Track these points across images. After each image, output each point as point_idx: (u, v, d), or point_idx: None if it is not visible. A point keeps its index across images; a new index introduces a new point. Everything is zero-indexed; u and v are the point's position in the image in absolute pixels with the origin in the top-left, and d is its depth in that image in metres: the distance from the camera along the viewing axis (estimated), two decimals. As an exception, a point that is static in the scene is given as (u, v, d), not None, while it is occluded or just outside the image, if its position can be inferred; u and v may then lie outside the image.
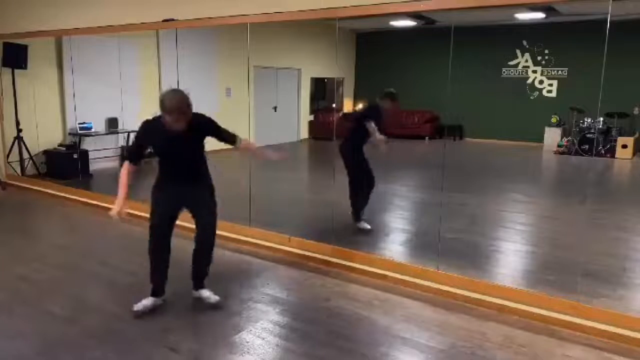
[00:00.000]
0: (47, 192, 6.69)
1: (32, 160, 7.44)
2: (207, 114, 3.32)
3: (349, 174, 4.95)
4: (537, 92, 11.93)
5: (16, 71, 7.02)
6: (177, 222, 5.21)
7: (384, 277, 3.91)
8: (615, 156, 9.88)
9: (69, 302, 3.51)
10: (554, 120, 11.15)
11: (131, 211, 5.68)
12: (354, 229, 5.23)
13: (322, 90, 12.39)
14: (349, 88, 13.18)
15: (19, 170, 7.36)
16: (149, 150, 3.29)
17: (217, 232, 4.85)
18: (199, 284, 3.49)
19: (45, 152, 7.60)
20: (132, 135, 8.50)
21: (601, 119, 10.19)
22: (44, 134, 7.53)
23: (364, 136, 4.86)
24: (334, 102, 12.28)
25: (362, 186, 4.99)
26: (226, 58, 9.56)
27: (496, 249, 4.82)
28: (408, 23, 10.73)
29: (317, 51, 11.53)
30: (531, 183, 8.33)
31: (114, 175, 8.23)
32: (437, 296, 3.64)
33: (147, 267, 4.20)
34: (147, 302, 3.36)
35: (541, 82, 11.86)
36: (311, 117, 12.44)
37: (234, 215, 4.88)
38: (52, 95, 7.70)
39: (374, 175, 5.04)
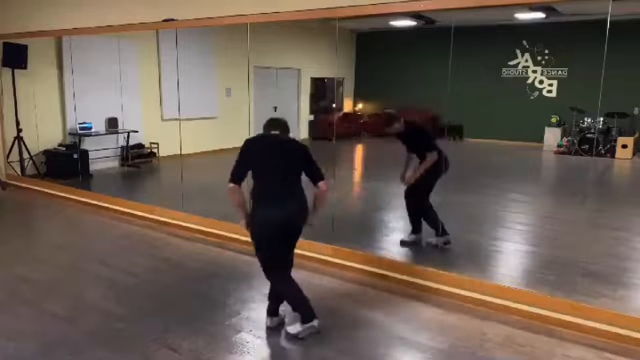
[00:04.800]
0: (47, 192, 6.69)
1: (32, 160, 7.44)
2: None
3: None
4: (537, 92, 11.93)
5: (16, 71, 7.02)
6: (174, 221, 5.25)
7: (384, 277, 3.91)
8: (615, 156, 9.88)
9: (69, 302, 3.51)
10: (554, 120, 11.14)
11: (132, 211, 5.72)
12: (354, 228, 5.24)
13: (322, 90, 12.38)
14: (349, 88, 13.19)
15: (19, 170, 7.35)
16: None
17: (218, 232, 4.89)
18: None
19: (45, 152, 7.60)
20: (132, 135, 8.53)
21: (601, 119, 10.18)
22: (44, 134, 7.53)
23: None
24: (334, 102, 12.28)
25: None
26: (226, 58, 9.56)
27: (496, 249, 4.82)
28: (408, 23, 10.72)
29: (317, 51, 11.53)
30: (531, 183, 8.33)
31: (114, 176, 8.28)
32: (437, 296, 3.63)
33: (149, 267, 4.22)
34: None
35: (541, 82, 11.86)
36: (311, 117, 12.44)
37: (234, 215, 4.88)
38: (52, 95, 7.69)
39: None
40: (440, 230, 4.59)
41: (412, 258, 4.54)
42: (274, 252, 3.06)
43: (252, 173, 3.05)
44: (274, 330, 3.15)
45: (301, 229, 3.12)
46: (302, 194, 3.09)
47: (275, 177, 3.03)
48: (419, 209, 4.66)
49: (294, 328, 3.07)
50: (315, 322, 3.03)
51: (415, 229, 4.73)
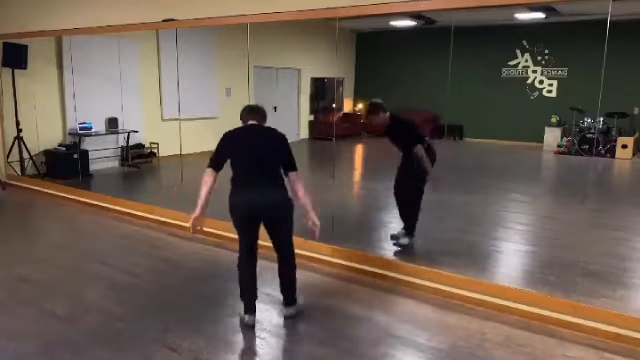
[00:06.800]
0: (47, 192, 6.69)
1: (32, 160, 7.44)
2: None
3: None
4: (537, 92, 11.93)
5: (16, 71, 7.02)
6: (174, 221, 5.25)
7: (384, 277, 3.91)
8: (615, 156, 9.88)
9: (69, 302, 3.51)
10: (554, 120, 11.15)
11: (132, 211, 5.72)
12: (353, 228, 5.23)
13: (322, 90, 12.39)
14: (349, 88, 13.19)
15: (19, 170, 7.36)
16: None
17: (218, 232, 4.90)
18: None
19: (45, 152, 7.60)
20: (132, 135, 8.53)
21: (601, 119, 10.18)
22: (44, 134, 7.53)
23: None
24: (334, 102, 12.29)
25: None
26: (226, 58, 9.56)
27: (496, 249, 4.82)
28: (408, 23, 10.73)
29: (317, 51, 11.53)
30: (531, 183, 8.33)
31: (114, 176, 8.28)
32: (436, 296, 3.64)
33: (149, 267, 4.22)
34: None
35: (541, 82, 11.86)
36: (311, 117, 12.45)
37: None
38: (52, 95, 7.69)
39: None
40: (412, 230, 4.62)
41: (411, 258, 4.54)
42: (254, 237, 3.18)
43: (231, 163, 3.13)
44: (274, 329, 3.16)
45: (286, 217, 3.19)
46: (283, 183, 3.17)
47: (256, 167, 3.10)
48: (412, 205, 4.63)
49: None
50: (246, 318, 3.15)
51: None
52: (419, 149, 4.29)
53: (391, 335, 3.11)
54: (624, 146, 9.86)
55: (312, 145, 11.81)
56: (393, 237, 4.77)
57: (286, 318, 3.28)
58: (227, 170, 3.17)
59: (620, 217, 5.89)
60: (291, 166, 3.19)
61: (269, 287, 3.68)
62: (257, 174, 3.11)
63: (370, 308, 3.46)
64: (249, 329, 3.14)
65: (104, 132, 8.19)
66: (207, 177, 3.11)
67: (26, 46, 6.90)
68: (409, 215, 4.65)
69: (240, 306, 3.23)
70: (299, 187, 3.18)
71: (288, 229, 3.25)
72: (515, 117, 11.78)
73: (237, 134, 3.19)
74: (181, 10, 5.03)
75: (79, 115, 7.54)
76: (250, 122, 3.23)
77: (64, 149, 7.62)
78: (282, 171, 3.18)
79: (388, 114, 4.48)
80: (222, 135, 3.19)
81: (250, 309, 3.18)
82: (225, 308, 3.44)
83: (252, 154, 3.11)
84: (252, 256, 3.20)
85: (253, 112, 3.27)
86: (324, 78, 12.26)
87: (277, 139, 3.21)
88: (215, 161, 3.15)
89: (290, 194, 3.17)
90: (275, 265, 3.33)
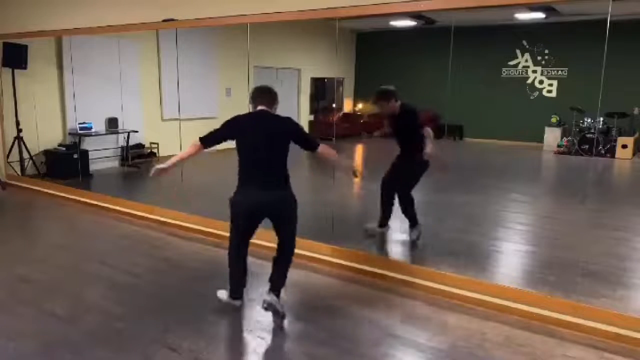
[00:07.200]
0: (47, 192, 6.69)
1: (32, 160, 7.44)
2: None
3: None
4: (537, 92, 11.93)
5: (16, 71, 7.01)
6: (174, 221, 5.25)
7: (384, 277, 3.91)
8: (615, 156, 9.88)
9: (69, 302, 3.51)
10: (554, 120, 11.14)
11: (132, 211, 5.72)
12: (352, 228, 5.24)
13: (322, 90, 12.38)
14: (349, 88, 13.18)
15: (19, 170, 7.36)
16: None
17: (218, 232, 4.90)
18: None
19: (45, 152, 7.60)
20: (132, 135, 8.52)
21: (601, 119, 10.18)
22: (44, 134, 7.53)
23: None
24: (334, 102, 12.28)
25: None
26: (226, 58, 9.56)
27: (496, 249, 4.82)
28: (408, 23, 10.72)
29: (317, 51, 11.52)
30: (531, 183, 8.33)
31: (114, 176, 8.27)
32: (437, 296, 3.64)
33: (149, 267, 4.22)
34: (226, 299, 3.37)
35: (541, 82, 11.86)
36: (311, 117, 12.45)
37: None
38: (52, 95, 7.69)
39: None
40: (415, 222, 4.65)
41: (411, 258, 4.54)
42: (247, 232, 3.24)
43: (238, 152, 3.11)
44: (274, 330, 3.16)
45: (290, 213, 3.20)
46: (288, 181, 3.17)
47: (264, 155, 3.06)
48: (406, 204, 4.65)
49: (223, 293, 3.39)
50: (236, 303, 3.31)
51: (385, 221, 4.75)
52: (427, 130, 4.36)
53: (391, 335, 3.11)
54: (624, 146, 9.85)
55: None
56: (368, 230, 4.80)
57: (265, 305, 3.10)
58: (233, 168, 3.16)
59: (620, 217, 5.89)
60: (313, 143, 3.15)
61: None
62: (264, 165, 3.07)
63: (370, 308, 3.46)
64: (235, 309, 3.27)
65: (104, 132, 8.18)
66: (191, 148, 3.11)
67: (26, 46, 6.90)
68: (404, 211, 4.69)
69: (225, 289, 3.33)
70: (331, 155, 3.18)
71: (292, 227, 3.27)
72: (515, 117, 11.77)
73: (245, 120, 3.15)
74: (181, 10, 5.03)
75: (79, 115, 7.54)
76: (260, 107, 3.17)
77: (64, 149, 7.61)
78: (289, 166, 3.16)
79: (399, 102, 4.47)
80: (229, 118, 3.14)
81: (237, 295, 3.27)
82: (225, 308, 3.43)
83: (259, 140, 3.05)
84: (241, 253, 3.30)
85: (263, 94, 3.20)
86: (324, 78, 12.25)
87: (286, 123, 3.16)
88: (210, 137, 3.12)
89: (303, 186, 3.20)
90: (264, 263, 3.34)
